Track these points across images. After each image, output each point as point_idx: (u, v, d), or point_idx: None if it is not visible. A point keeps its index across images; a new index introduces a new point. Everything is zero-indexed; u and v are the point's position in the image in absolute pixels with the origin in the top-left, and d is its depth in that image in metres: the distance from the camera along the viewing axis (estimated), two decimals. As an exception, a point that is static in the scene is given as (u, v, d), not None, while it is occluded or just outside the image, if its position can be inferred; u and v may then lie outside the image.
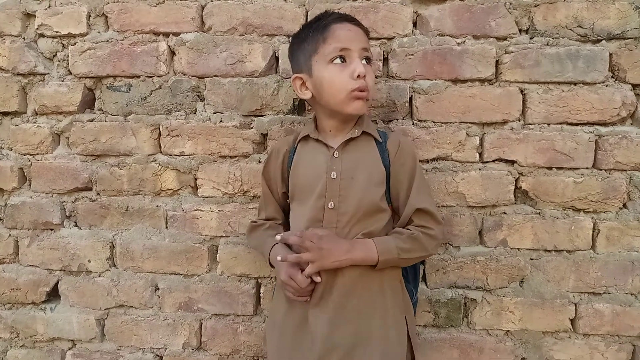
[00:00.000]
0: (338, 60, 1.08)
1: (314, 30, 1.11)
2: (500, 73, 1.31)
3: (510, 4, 1.30)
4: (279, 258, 1.11)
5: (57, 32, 1.39)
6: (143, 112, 1.40)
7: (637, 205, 1.31)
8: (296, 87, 1.16)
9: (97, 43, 1.39)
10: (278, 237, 1.13)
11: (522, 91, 1.31)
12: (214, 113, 1.38)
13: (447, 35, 1.32)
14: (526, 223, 1.33)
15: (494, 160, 1.33)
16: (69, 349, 1.48)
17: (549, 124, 1.31)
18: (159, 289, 1.43)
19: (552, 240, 1.33)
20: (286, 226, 1.25)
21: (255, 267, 1.40)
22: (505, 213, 1.34)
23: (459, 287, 1.37)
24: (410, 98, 1.34)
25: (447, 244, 1.36)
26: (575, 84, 1.30)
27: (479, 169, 1.33)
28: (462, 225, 1.35)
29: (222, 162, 1.39)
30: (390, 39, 1.33)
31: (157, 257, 1.42)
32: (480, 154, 1.34)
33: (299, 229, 1.13)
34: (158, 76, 1.38)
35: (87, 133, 1.41)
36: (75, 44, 1.39)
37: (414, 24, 1.33)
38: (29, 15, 1.42)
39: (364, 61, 1.09)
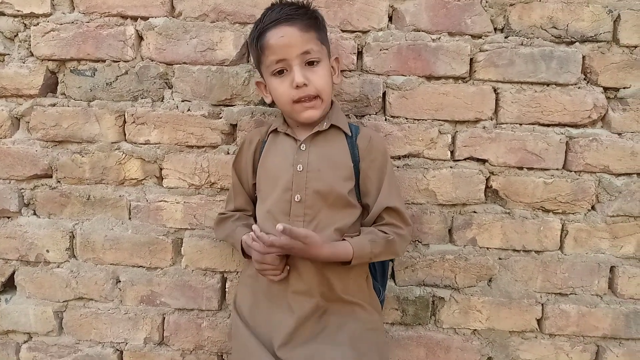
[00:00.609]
0: (278, 73, 1.08)
1: (254, 38, 1.10)
2: (474, 71, 1.30)
3: (487, 2, 1.29)
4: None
5: (18, 10, 1.32)
6: (108, 98, 1.35)
7: (605, 207, 1.32)
8: (260, 91, 1.20)
9: (61, 24, 1.33)
10: (255, 227, 1.05)
11: (495, 90, 1.31)
12: (182, 101, 1.34)
13: (423, 31, 1.30)
14: (496, 222, 1.33)
15: (465, 159, 1.33)
16: (25, 342, 1.43)
17: (521, 124, 1.31)
18: (120, 281, 1.39)
19: (521, 240, 1.33)
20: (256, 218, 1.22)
21: (221, 261, 1.37)
22: (475, 212, 1.34)
23: (428, 285, 1.36)
24: (384, 93, 1.32)
25: (417, 242, 1.35)
26: (548, 84, 1.30)
27: (450, 167, 1.32)
28: (432, 223, 1.34)
29: (188, 152, 1.35)
30: (365, 32, 1.31)
31: (119, 248, 1.37)
32: (452, 152, 1.33)
33: (265, 223, 1.11)
34: (124, 61, 1.33)
35: (48, 118, 1.35)
36: (38, 24, 1.33)
37: (390, 18, 1.31)
38: (-11, -7, 1.35)
39: (314, 64, 1.07)
